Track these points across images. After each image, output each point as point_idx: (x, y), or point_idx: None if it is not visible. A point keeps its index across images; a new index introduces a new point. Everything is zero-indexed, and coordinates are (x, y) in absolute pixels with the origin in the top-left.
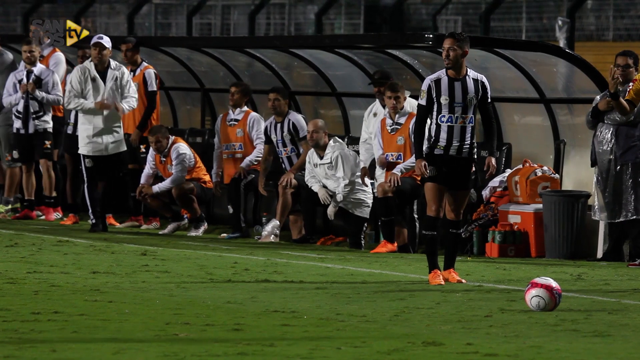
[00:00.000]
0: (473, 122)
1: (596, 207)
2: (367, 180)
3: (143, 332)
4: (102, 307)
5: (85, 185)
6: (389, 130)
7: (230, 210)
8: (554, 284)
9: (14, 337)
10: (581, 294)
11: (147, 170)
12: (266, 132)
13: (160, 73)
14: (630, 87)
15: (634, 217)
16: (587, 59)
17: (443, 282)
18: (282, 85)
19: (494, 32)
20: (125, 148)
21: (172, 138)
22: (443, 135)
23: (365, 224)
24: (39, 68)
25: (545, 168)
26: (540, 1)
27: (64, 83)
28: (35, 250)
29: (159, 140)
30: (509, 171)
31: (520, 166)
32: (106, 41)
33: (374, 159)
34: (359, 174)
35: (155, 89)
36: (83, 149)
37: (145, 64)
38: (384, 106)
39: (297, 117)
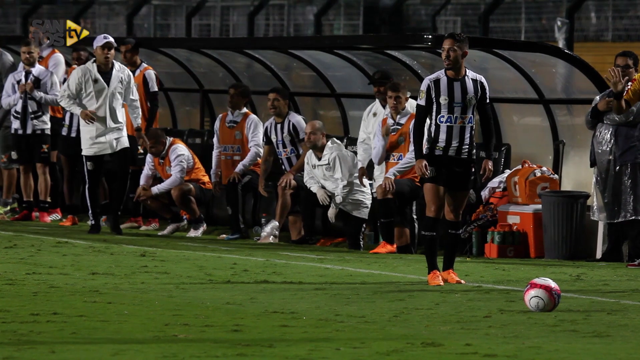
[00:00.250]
0: (472, 123)
1: (595, 207)
2: (366, 181)
3: (142, 333)
4: (101, 308)
5: (87, 187)
6: (390, 131)
7: (229, 212)
8: (553, 284)
9: (13, 338)
10: (580, 295)
11: (146, 171)
12: (266, 133)
13: (160, 74)
14: (629, 87)
15: (633, 217)
16: (586, 60)
17: (442, 283)
18: (282, 86)
19: (493, 33)
20: (128, 145)
21: (170, 139)
22: (442, 135)
23: (364, 225)
24: (37, 69)
25: (544, 169)
26: (540, 2)
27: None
28: (35, 252)
29: (154, 145)
30: (508, 172)
31: (520, 167)
32: (113, 41)
33: (371, 159)
34: (357, 174)
35: (156, 89)
36: (86, 150)
37: (144, 64)
38: (384, 106)
39: (297, 118)
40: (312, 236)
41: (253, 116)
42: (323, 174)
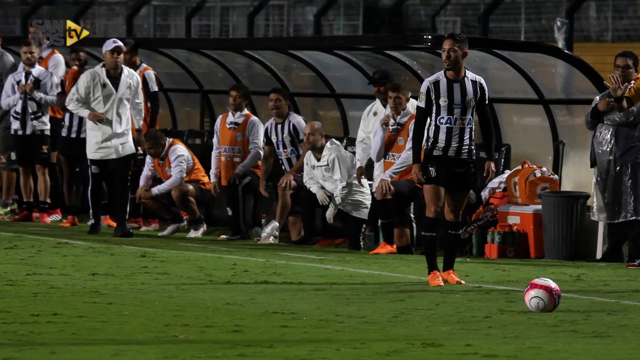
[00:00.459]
0: (472, 124)
1: (595, 207)
2: (365, 181)
3: (142, 333)
4: (101, 308)
5: (90, 189)
6: (390, 131)
7: (230, 213)
8: (553, 284)
9: (14, 339)
10: (580, 295)
11: (146, 172)
12: (266, 134)
13: (159, 75)
14: (632, 85)
15: (634, 217)
16: (586, 60)
17: (442, 283)
18: (281, 87)
19: (493, 33)
20: (134, 151)
21: (169, 140)
22: (442, 136)
23: (364, 225)
24: (37, 70)
25: (544, 169)
26: (539, 2)
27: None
28: (35, 252)
29: (152, 146)
30: (508, 172)
31: (520, 167)
32: (123, 46)
33: (370, 159)
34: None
35: (156, 89)
36: (91, 154)
37: (144, 65)
38: (384, 106)
39: (297, 119)
40: (312, 237)
41: (254, 117)
42: (322, 175)
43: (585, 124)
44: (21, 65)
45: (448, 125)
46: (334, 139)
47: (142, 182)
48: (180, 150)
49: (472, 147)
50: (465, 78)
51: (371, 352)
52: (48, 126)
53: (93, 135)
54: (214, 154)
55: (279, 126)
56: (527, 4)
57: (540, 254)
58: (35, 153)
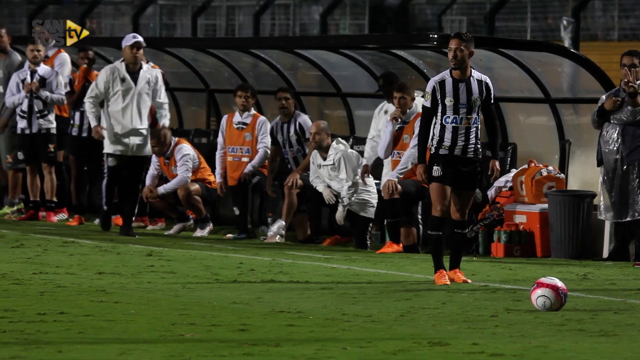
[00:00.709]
0: (478, 123)
1: (602, 206)
2: (370, 180)
3: (149, 332)
4: (107, 307)
5: (105, 182)
6: (396, 128)
7: (236, 212)
8: (559, 283)
9: (20, 338)
10: (587, 294)
11: (152, 171)
12: (272, 133)
13: (165, 74)
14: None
15: None
16: (592, 59)
17: (449, 282)
18: (287, 86)
19: (499, 32)
20: (150, 153)
21: (175, 139)
22: (448, 135)
23: (371, 225)
24: (43, 68)
25: (550, 168)
26: (545, 1)
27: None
28: (41, 251)
29: (157, 145)
30: (514, 171)
31: (526, 166)
32: (142, 40)
33: (378, 157)
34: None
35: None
36: (108, 147)
37: (151, 64)
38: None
39: (304, 118)
40: (319, 235)
41: (262, 117)
42: (328, 174)
43: (592, 123)
44: (26, 64)
45: (454, 124)
46: (339, 138)
47: (148, 181)
48: (186, 149)
49: (479, 146)
50: (471, 77)
51: (377, 351)
52: (54, 124)
53: (112, 129)
54: (218, 154)
55: (285, 125)
56: (533, 3)
57: (547, 253)
58: (42, 152)
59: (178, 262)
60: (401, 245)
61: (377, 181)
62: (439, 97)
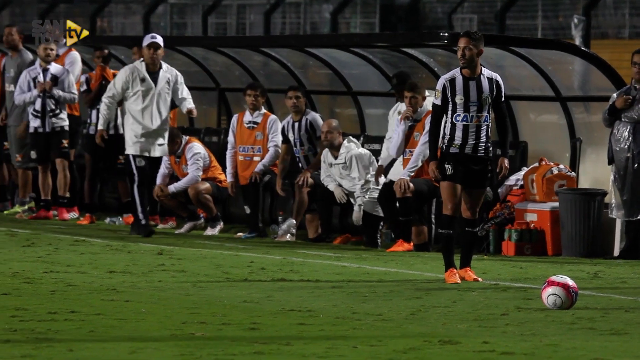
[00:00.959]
0: (488, 121)
1: (613, 205)
2: (382, 180)
3: (159, 331)
4: (118, 306)
5: (136, 185)
6: (407, 127)
7: (247, 211)
8: (570, 282)
9: (31, 337)
10: (598, 292)
11: (163, 170)
12: (283, 132)
13: None
14: None
15: None
16: (603, 57)
17: (459, 281)
18: (298, 84)
19: (510, 31)
20: (166, 153)
21: (186, 138)
22: (458, 133)
23: (382, 223)
24: (54, 67)
25: (561, 166)
26: None
27: (79, 83)
28: (52, 250)
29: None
30: (525, 169)
31: (537, 164)
32: (160, 40)
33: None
34: (373, 173)
35: None
36: (132, 148)
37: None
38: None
39: (314, 116)
40: (329, 234)
41: (273, 116)
42: (339, 173)
43: (603, 122)
44: (37, 62)
45: (464, 122)
46: (351, 137)
47: (158, 180)
48: (196, 148)
49: (489, 144)
50: (481, 75)
51: (388, 350)
52: (67, 122)
53: (132, 129)
54: (229, 153)
55: (296, 124)
56: (544, 1)
57: (558, 252)
58: (55, 148)
59: (189, 260)
60: (412, 243)
61: (388, 181)
62: (450, 95)
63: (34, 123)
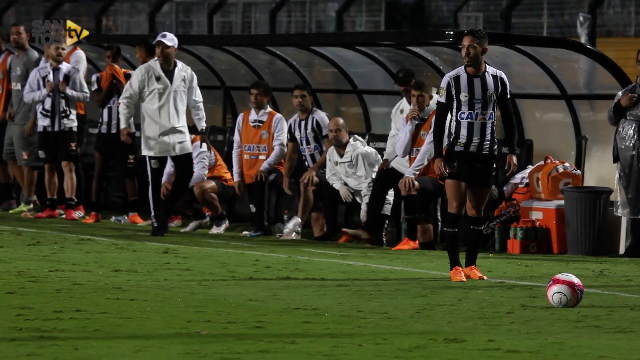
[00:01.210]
0: (493, 119)
1: (619, 203)
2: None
3: (165, 329)
4: (123, 305)
5: (150, 187)
6: (414, 127)
7: (252, 209)
8: (576, 280)
9: (36, 335)
10: (603, 290)
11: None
12: (290, 130)
13: None
14: None
15: None
16: (608, 55)
17: (465, 279)
18: (304, 83)
19: (515, 29)
20: (191, 150)
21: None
22: (463, 131)
23: (387, 221)
24: (66, 66)
25: (567, 164)
26: None
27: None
28: (57, 249)
29: None
30: (530, 167)
31: (542, 163)
32: (169, 39)
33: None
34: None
35: None
36: (149, 150)
37: None
38: (410, 103)
39: (321, 115)
40: (335, 233)
41: (278, 115)
42: (345, 171)
43: (608, 120)
44: (43, 60)
45: (469, 120)
46: (357, 136)
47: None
48: (202, 146)
49: (494, 142)
50: (486, 73)
51: (393, 348)
52: (76, 123)
53: (150, 130)
54: (235, 152)
55: (303, 122)
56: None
57: (563, 250)
58: (63, 150)
59: (194, 259)
60: (417, 242)
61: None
62: (454, 92)
63: (43, 122)
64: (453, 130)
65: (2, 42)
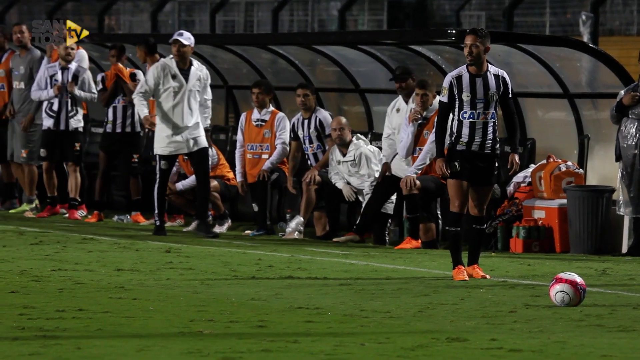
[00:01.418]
0: (495, 118)
1: (621, 201)
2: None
3: (167, 329)
4: (126, 304)
5: (156, 186)
6: (416, 127)
7: (255, 208)
8: (578, 279)
9: (39, 335)
10: (606, 289)
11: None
12: (293, 129)
13: None
14: None
15: None
16: (611, 54)
17: (467, 278)
18: (306, 82)
19: (518, 27)
20: (207, 145)
21: None
22: (465, 131)
23: (389, 220)
24: (74, 66)
25: (569, 163)
26: None
27: None
28: (60, 248)
29: None
30: (533, 166)
31: (545, 161)
32: (185, 38)
33: (397, 154)
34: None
35: None
36: (161, 149)
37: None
38: (406, 102)
39: (324, 114)
40: (337, 232)
41: (281, 114)
42: (348, 170)
43: (610, 118)
44: (46, 60)
45: (471, 119)
46: (359, 134)
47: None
48: None
49: (496, 141)
50: (488, 72)
51: (396, 347)
52: (82, 123)
53: (163, 129)
54: (238, 152)
55: (306, 121)
56: None
57: (566, 249)
58: (68, 150)
59: (196, 258)
60: (420, 241)
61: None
62: (456, 92)
63: (48, 122)
64: (455, 130)
65: (5, 41)
